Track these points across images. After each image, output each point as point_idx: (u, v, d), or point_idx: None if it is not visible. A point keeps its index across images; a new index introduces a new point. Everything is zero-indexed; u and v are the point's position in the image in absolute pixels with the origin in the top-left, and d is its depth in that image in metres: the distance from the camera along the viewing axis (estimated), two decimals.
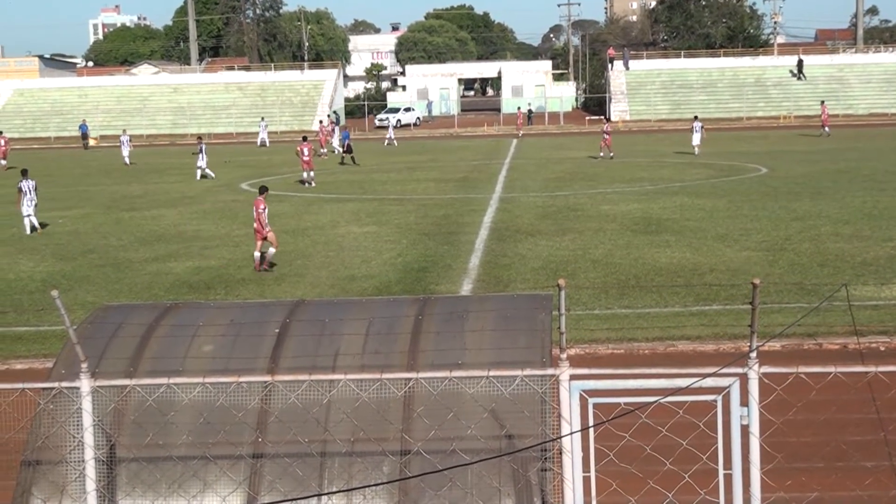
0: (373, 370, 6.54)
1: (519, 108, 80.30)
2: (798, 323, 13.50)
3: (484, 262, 22.32)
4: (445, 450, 6.36)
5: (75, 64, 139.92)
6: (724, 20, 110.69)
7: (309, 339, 7.17)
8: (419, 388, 6.53)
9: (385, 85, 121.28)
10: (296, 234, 27.35)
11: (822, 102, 67.52)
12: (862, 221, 26.17)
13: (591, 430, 6.10)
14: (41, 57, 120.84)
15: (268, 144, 69.94)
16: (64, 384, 6.33)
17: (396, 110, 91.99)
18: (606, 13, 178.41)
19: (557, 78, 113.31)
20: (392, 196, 36.63)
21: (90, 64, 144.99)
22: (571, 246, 23.94)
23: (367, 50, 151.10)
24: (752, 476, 6.00)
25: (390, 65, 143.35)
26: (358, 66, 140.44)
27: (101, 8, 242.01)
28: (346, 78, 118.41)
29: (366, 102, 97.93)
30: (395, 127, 72.74)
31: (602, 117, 74.50)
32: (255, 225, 22.43)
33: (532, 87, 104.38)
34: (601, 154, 49.89)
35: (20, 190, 29.74)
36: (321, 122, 69.04)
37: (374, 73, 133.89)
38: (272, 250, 22.26)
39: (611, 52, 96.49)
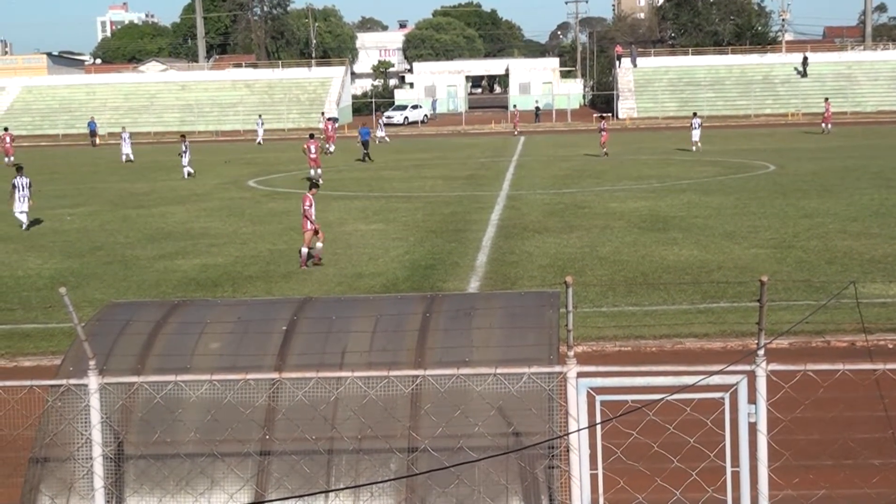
0: (380, 367, 6.55)
1: (515, 107, 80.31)
2: (806, 320, 13.48)
3: (491, 260, 22.32)
4: (453, 447, 6.36)
5: (83, 61, 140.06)
6: (731, 17, 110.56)
7: (316, 336, 7.17)
8: (426, 386, 6.53)
9: (393, 82, 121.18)
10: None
11: (826, 99, 67.11)
12: (870, 219, 26.12)
13: (599, 427, 6.10)
14: (49, 54, 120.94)
15: (262, 143, 69.93)
16: (72, 381, 6.33)
17: (404, 107, 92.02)
18: (614, 10, 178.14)
19: (565, 75, 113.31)
20: (399, 193, 36.64)
21: (98, 61, 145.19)
22: (579, 243, 23.93)
23: (375, 47, 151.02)
24: (759, 473, 5.98)
25: (398, 62, 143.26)
26: (365, 63, 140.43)
27: (109, 5, 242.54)
28: (354, 75, 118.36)
29: (373, 100, 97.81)
30: (400, 124, 72.75)
31: (600, 115, 73.57)
32: (305, 223, 22.14)
33: (539, 84, 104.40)
34: (605, 150, 49.51)
35: (13, 186, 29.90)
36: (326, 116, 68.76)
37: (381, 70, 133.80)
38: (319, 245, 22.32)
39: (618, 49, 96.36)
